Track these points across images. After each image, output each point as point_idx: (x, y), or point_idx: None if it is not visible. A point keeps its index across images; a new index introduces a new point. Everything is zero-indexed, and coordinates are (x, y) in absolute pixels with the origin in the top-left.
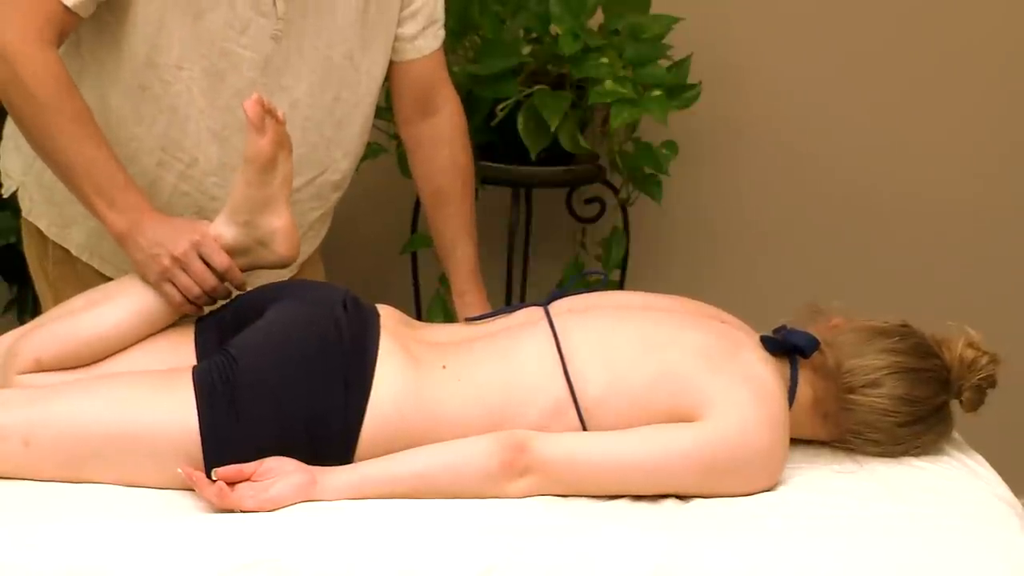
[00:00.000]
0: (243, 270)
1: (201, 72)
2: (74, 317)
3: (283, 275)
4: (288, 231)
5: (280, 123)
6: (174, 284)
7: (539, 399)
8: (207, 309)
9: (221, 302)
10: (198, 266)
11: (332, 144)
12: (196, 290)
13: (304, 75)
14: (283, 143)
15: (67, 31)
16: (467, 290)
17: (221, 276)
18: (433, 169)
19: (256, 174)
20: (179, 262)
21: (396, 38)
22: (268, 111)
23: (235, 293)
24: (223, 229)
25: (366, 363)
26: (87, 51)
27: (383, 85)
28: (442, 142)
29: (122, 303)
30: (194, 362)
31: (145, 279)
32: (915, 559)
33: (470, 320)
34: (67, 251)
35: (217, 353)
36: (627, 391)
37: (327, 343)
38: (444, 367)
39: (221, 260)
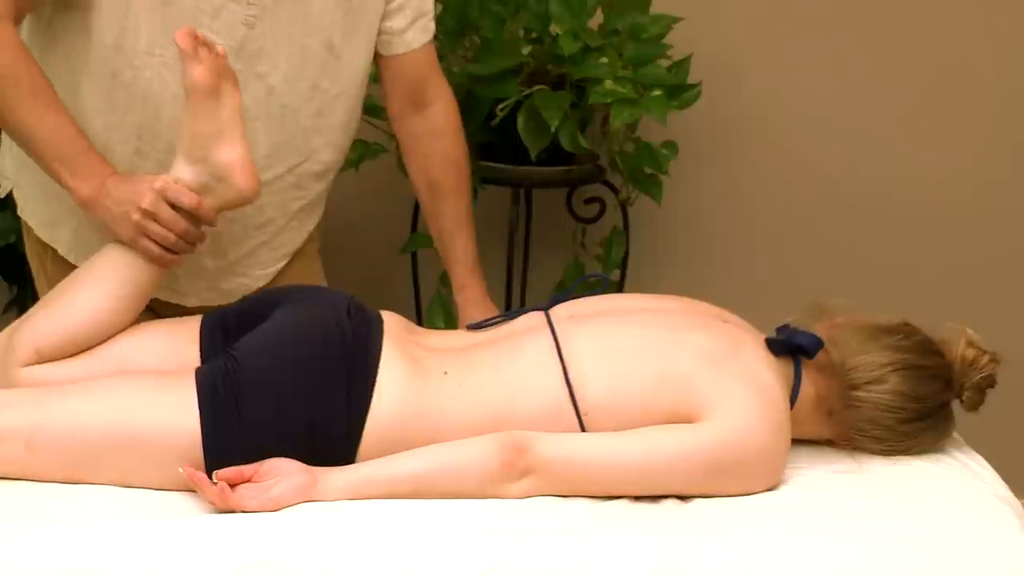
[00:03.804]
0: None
1: (174, 58)
2: (63, 301)
3: (276, 267)
4: (244, 163)
5: (220, 56)
6: (148, 237)
7: (539, 404)
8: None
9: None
10: (167, 212)
11: (311, 133)
12: (171, 237)
13: (280, 63)
14: (224, 74)
15: (24, 8)
16: (467, 283)
17: (193, 217)
18: (429, 163)
19: (199, 105)
20: (148, 214)
21: (384, 32)
22: (203, 43)
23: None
24: (181, 171)
25: (368, 368)
26: (62, 41)
27: (372, 80)
28: (436, 135)
29: (104, 276)
30: (198, 363)
31: (121, 241)
32: (915, 559)
33: (472, 327)
34: None
35: (220, 356)
36: (627, 394)
37: (330, 347)
38: (446, 373)
39: (190, 199)
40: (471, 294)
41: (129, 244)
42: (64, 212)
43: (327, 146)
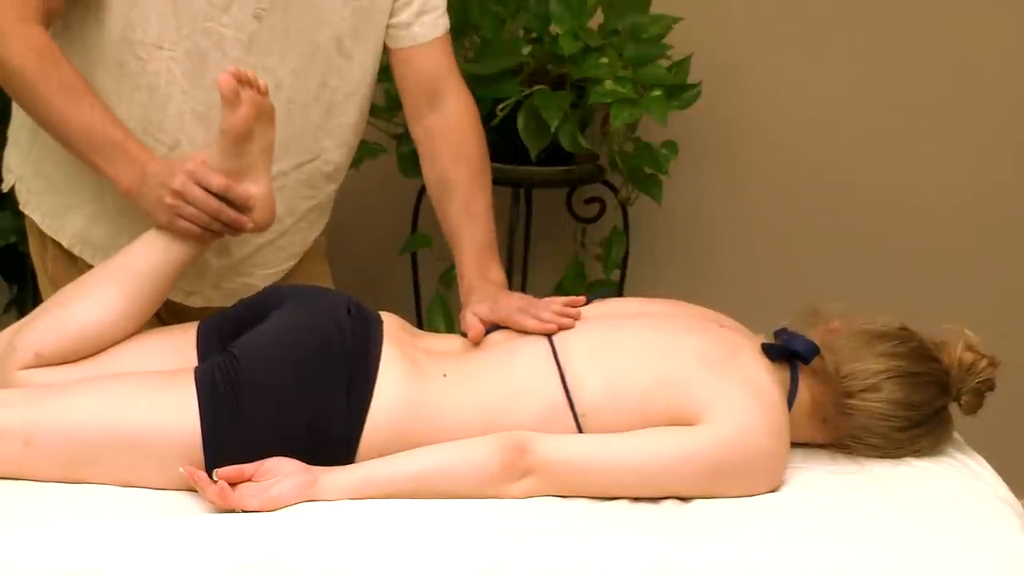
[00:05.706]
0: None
1: (184, 53)
2: (67, 306)
3: (281, 267)
4: (265, 198)
5: (261, 93)
6: (184, 218)
7: (537, 406)
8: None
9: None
10: (197, 192)
11: (321, 131)
12: (204, 217)
13: (288, 57)
14: (261, 114)
15: (53, 11)
16: (465, 274)
17: (224, 199)
18: (440, 161)
19: (231, 146)
20: (179, 194)
21: (391, 25)
22: (246, 82)
23: (248, 225)
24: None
25: (368, 368)
26: (76, 29)
27: (382, 80)
28: (449, 131)
29: (111, 284)
30: (196, 363)
31: (160, 225)
32: (915, 559)
33: None
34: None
35: (220, 355)
36: (625, 397)
37: (330, 347)
38: (445, 375)
39: (218, 181)
40: (481, 292)
41: (166, 228)
42: (71, 204)
43: (338, 147)
